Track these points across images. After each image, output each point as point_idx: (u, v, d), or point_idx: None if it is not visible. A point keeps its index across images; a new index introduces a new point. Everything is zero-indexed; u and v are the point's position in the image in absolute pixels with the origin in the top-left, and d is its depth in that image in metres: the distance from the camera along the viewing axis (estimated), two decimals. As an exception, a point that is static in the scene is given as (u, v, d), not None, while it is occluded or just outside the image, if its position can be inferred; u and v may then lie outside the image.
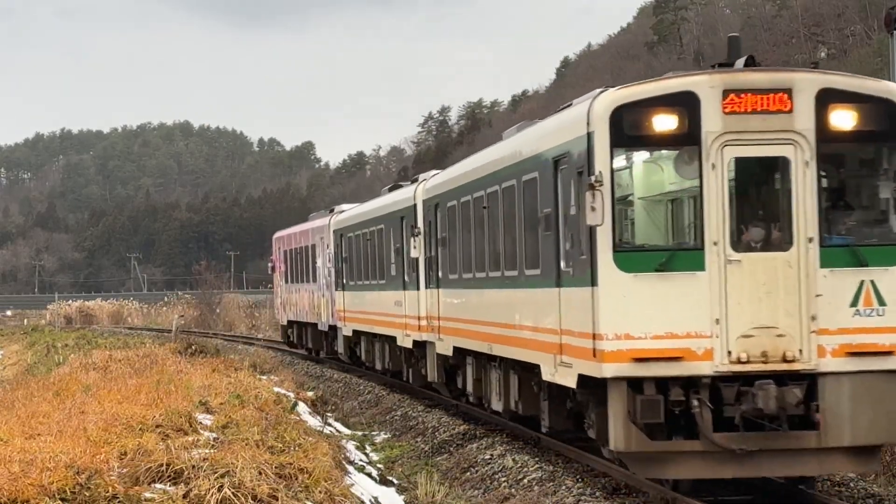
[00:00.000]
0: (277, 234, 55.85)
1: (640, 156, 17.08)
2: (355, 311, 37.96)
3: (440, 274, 26.92)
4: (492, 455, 22.06)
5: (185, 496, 13.96)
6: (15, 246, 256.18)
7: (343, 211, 42.47)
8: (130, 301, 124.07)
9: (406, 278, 30.59)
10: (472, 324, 24.07)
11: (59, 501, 13.29)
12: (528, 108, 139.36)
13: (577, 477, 19.01)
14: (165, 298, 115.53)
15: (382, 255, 33.65)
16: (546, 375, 18.94)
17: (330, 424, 27.51)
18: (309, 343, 48.34)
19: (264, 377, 31.38)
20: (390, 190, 35.57)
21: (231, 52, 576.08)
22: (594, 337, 16.27)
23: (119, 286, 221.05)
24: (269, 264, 56.39)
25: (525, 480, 19.50)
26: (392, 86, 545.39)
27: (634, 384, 15.91)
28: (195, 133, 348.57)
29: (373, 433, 28.25)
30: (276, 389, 27.78)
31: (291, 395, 28.28)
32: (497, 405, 23.05)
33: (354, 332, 38.58)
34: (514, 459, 21.11)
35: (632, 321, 15.93)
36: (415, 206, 29.36)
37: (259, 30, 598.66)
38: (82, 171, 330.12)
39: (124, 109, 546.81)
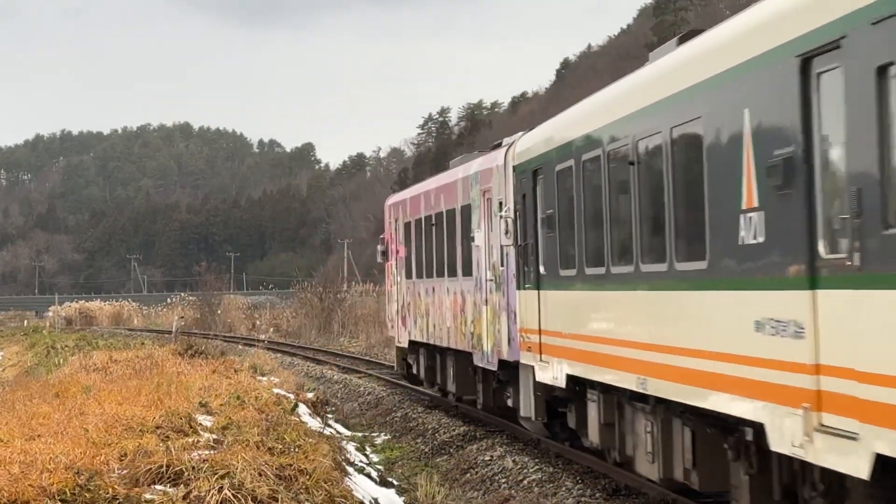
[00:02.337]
0: (392, 199, 34.70)
1: None
2: (574, 337, 18.21)
3: None
4: (492, 456, 22.08)
5: (185, 497, 13.95)
6: (15, 247, 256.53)
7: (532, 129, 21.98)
8: (130, 302, 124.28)
9: (824, 251, 10.31)
10: None
11: (59, 503, 13.28)
12: (527, 109, 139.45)
13: (577, 478, 19.02)
14: (168, 300, 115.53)
15: (689, 199, 13.40)
16: None
17: (330, 426, 27.50)
18: (451, 385, 27.94)
19: (264, 378, 31.34)
20: (681, 40, 14.86)
21: (231, 52, 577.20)
22: None
23: (119, 287, 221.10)
24: (380, 248, 34.89)
25: (525, 482, 19.51)
26: (392, 87, 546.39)
27: None
28: (195, 134, 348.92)
29: (373, 434, 28.26)
30: (276, 391, 27.75)
31: (291, 396, 28.24)
32: None
33: (570, 379, 18.55)
34: (514, 461, 21.12)
35: None
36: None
37: (259, 30, 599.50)
38: (82, 172, 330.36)
39: (124, 110, 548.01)
